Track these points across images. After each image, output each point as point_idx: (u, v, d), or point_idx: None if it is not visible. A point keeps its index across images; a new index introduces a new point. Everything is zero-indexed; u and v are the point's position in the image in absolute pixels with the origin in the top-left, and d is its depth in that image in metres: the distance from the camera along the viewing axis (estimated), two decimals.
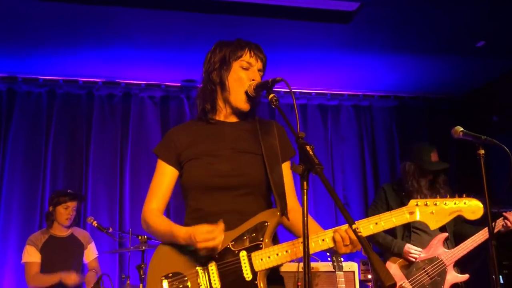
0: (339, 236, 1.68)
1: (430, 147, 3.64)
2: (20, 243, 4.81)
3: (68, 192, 4.22)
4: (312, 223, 1.89)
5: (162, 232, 1.90)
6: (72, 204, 4.19)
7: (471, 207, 1.77)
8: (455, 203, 1.76)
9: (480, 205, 1.77)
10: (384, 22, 4.40)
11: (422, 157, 3.57)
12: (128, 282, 3.90)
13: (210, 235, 1.72)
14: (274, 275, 1.86)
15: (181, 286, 1.82)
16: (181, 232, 1.80)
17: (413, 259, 3.43)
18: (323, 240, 1.72)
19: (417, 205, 1.76)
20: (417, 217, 1.74)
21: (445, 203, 1.76)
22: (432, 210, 1.75)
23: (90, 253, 4.32)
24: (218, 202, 1.88)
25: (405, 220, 1.75)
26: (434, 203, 1.76)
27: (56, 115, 5.37)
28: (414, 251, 3.43)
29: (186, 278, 1.82)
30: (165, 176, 1.99)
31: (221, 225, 1.75)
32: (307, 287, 1.45)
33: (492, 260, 2.50)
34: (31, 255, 4.09)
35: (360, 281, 4.08)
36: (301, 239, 1.74)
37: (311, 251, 1.72)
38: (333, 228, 1.72)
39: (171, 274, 1.85)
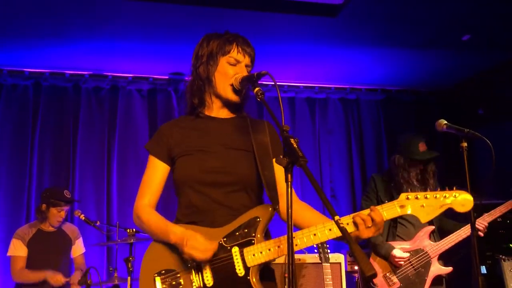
0: (360, 219, 1.67)
1: (417, 137, 3.64)
2: (6, 236, 4.78)
3: (64, 196, 4.22)
4: (315, 214, 1.90)
5: (155, 230, 1.89)
6: (66, 207, 4.24)
7: (461, 200, 1.74)
8: (445, 196, 1.74)
9: (470, 198, 1.75)
10: (371, 16, 4.42)
11: (410, 148, 3.58)
12: (115, 274, 3.90)
13: (201, 246, 1.74)
14: (266, 271, 1.85)
15: (174, 282, 1.82)
16: (177, 231, 1.81)
17: (399, 265, 3.45)
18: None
19: (407, 198, 1.75)
20: (408, 210, 1.74)
21: (436, 196, 1.74)
22: (422, 204, 1.74)
23: (77, 249, 4.35)
24: (210, 199, 1.88)
25: (396, 214, 1.74)
26: (425, 196, 1.75)
27: (42, 108, 5.32)
28: (400, 256, 3.44)
29: (179, 275, 1.83)
30: (157, 172, 1.98)
31: (215, 245, 1.77)
32: (292, 278, 1.47)
33: (474, 250, 2.54)
34: (17, 249, 4.09)
35: (347, 273, 4.13)
36: (297, 234, 1.73)
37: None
38: (352, 214, 1.72)
39: (163, 271, 1.85)
